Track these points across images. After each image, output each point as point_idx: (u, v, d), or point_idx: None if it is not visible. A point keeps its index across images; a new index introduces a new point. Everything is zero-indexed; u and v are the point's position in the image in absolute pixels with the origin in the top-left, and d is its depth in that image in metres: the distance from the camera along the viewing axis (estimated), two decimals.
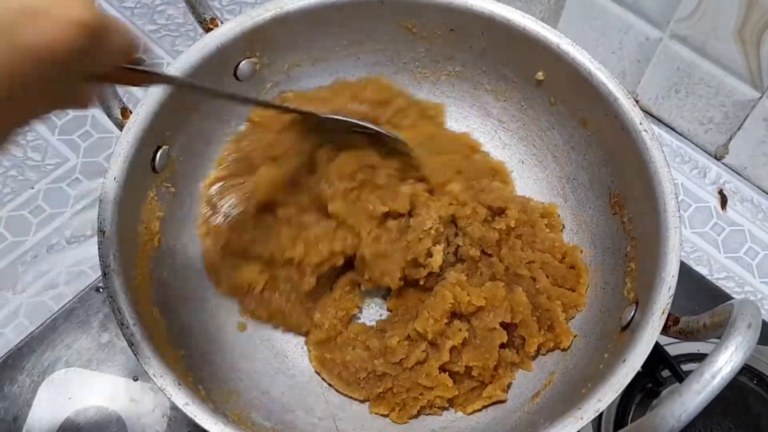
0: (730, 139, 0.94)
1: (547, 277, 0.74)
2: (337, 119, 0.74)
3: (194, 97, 0.73)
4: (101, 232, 0.62)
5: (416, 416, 0.72)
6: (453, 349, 0.71)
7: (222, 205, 0.76)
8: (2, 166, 0.92)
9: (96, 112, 0.96)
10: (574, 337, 0.72)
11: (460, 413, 0.72)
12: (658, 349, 0.70)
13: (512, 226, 0.75)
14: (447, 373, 0.71)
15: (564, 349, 0.72)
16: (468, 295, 0.71)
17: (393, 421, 0.72)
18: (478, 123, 0.85)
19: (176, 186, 0.74)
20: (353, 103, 0.80)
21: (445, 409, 0.72)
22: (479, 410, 0.71)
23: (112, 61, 0.47)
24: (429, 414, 0.72)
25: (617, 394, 0.56)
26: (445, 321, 0.71)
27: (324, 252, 0.74)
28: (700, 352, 0.77)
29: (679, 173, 0.97)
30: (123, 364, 0.79)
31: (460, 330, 0.71)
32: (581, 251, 0.76)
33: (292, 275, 0.75)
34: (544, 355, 0.73)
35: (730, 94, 0.89)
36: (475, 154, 0.83)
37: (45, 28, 0.40)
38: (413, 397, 0.71)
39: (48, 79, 0.42)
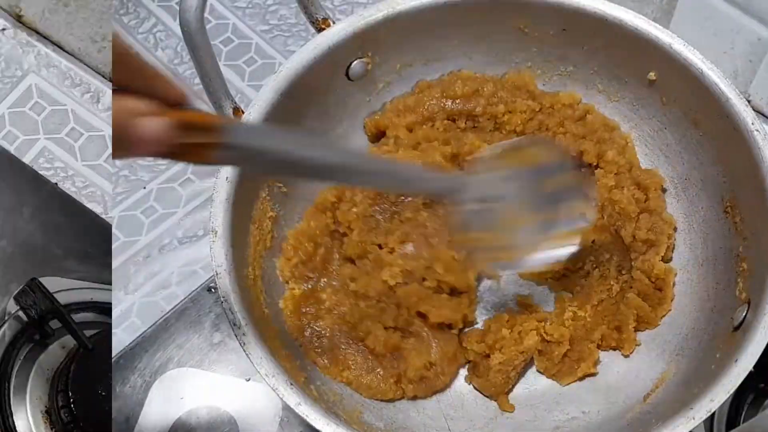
0: None
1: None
2: None
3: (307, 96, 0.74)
4: (213, 232, 0.63)
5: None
6: None
7: None
8: (114, 166, 0.93)
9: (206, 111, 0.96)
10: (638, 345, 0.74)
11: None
12: None
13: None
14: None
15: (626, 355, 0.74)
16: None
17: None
18: None
19: (288, 186, 0.75)
20: (444, 101, 0.81)
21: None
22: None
23: None
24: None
25: (729, 395, 0.58)
26: None
27: None
28: None
29: None
30: (235, 364, 0.79)
31: None
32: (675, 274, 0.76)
33: None
34: (627, 356, 0.74)
35: None
36: None
37: None
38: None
39: None
